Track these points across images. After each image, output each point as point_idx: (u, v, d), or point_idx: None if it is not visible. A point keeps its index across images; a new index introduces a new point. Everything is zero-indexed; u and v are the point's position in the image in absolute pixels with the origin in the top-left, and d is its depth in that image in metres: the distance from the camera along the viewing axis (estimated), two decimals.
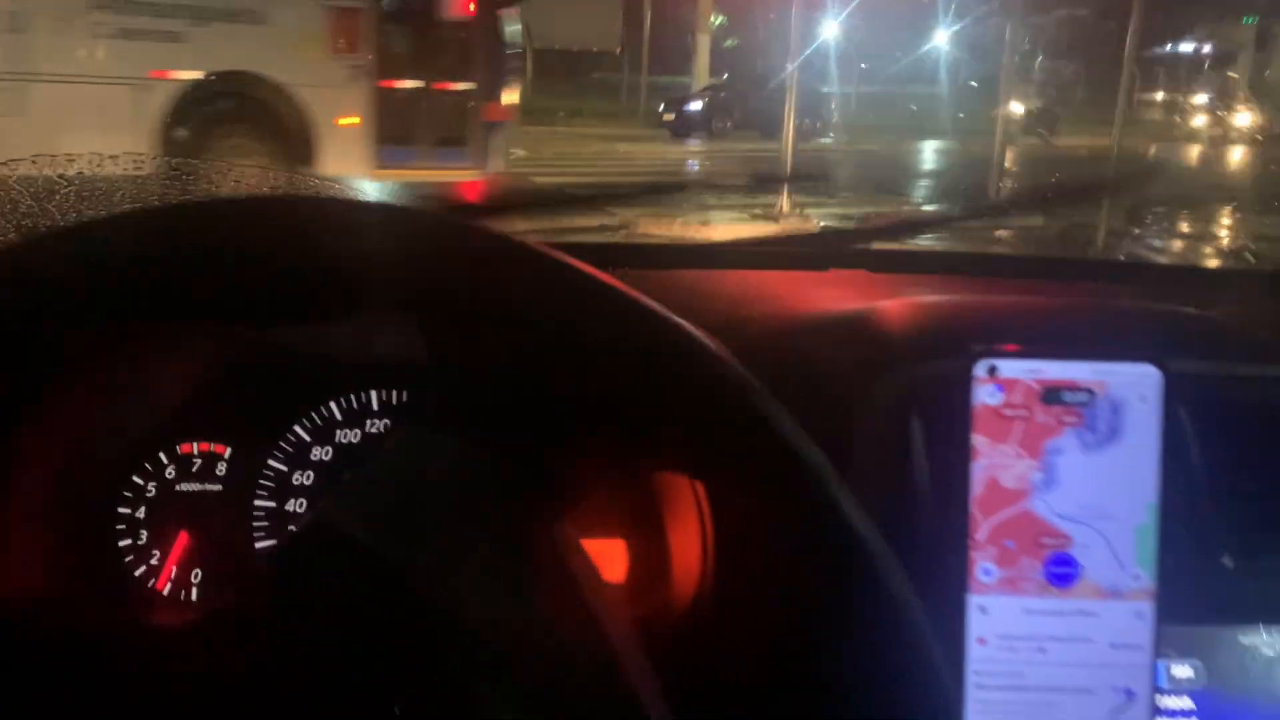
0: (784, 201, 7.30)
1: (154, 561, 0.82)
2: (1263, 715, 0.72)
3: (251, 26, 7.11)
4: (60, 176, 0.88)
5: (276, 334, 0.78)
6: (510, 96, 8.28)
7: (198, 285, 0.48)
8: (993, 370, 0.67)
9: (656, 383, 0.49)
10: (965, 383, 0.68)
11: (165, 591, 0.82)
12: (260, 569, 0.81)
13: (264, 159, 6.98)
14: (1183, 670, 0.72)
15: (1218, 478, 0.74)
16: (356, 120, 7.40)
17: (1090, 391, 0.67)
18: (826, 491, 0.50)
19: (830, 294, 1.17)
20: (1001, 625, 0.67)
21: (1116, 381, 0.67)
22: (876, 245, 1.43)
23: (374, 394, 0.86)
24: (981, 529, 0.67)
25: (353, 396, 0.86)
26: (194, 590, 0.82)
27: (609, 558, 0.88)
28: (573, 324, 0.49)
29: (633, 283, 1.11)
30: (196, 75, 7.02)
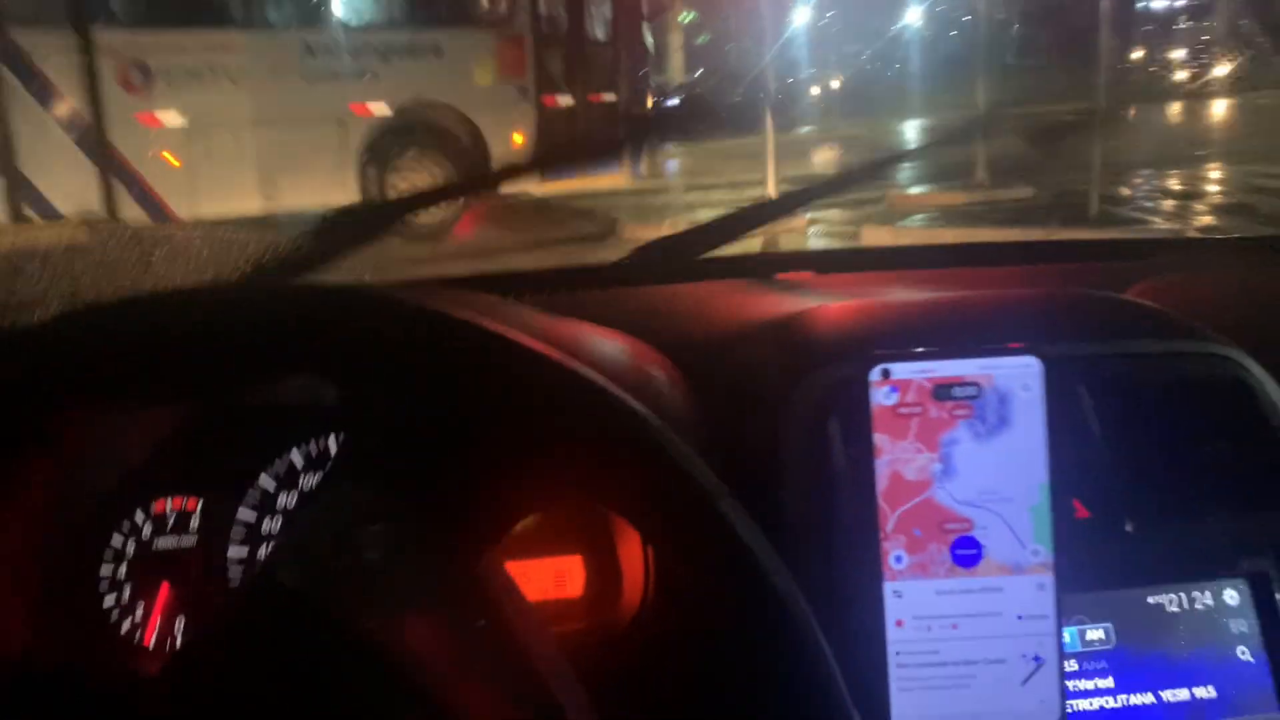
0: (771, 190, 7.37)
1: (138, 616, 0.88)
2: (1172, 670, 0.77)
3: (433, 60, 8.01)
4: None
5: (233, 395, 0.83)
6: (646, 106, 9.38)
7: (163, 364, 0.53)
8: (886, 373, 0.73)
9: (552, 425, 0.54)
10: (864, 385, 0.73)
11: (151, 645, 0.87)
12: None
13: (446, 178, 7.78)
14: (1095, 633, 0.77)
15: (1111, 449, 0.79)
16: (522, 137, 8.26)
17: (977, 385, 0.72)
18: (716, 515, 0.54)
19: (770, 300, 1.22)
20: (916, 607, 0.73)
21: (1001, 374, 0.72)
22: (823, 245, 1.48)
23: (331, 439, 0.92)
24: (890, 520, 0.73)
25: (312, 442, 0.92)
26: (178, 641, 0.88)
27: (568, 573, 0.93)
28: (463, 379, 0.54)
29: (576, 303, 1.15)
30: (388, 109, 7.95)
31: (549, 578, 0.93)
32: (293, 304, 0.55)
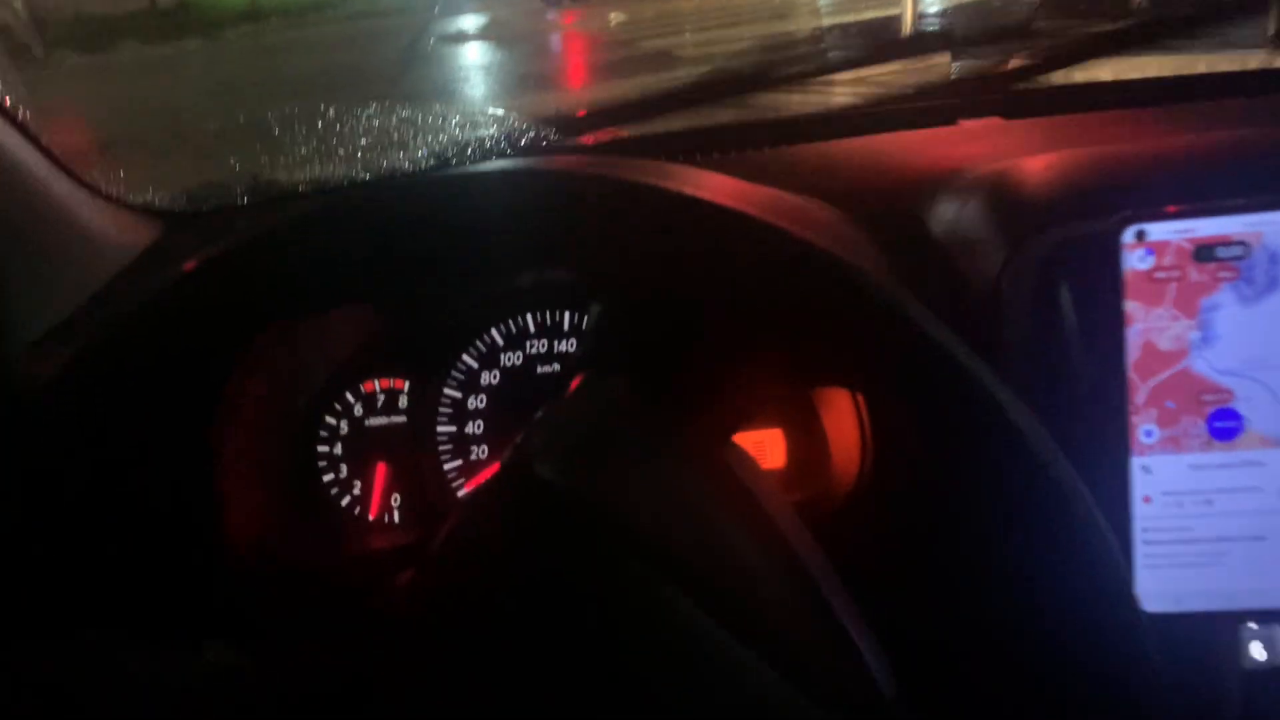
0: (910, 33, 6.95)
1: (356, 492, 0.91)
2: None
3: None
4: None
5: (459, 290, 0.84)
6: None
7: (378, 267, 0.52)
8: (1141, 235, 0.67)
9: (806, 307, 0.51)
10: (1114, 249, 0.67)
11: (373, 518, 0.90)
12: (454, 496, 0.88)
13: None
14: None
15: None
16: None
17: (1245, 244, 0.66)
18: (986, 396, 0.51)
19: (961, 151, 1.14)
20: (1166, 483, 0.68)
21: (1271, 231, 0.65)
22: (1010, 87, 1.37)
23: (529, 317, 0.91)
24: (1140, 393, 0.68)
25: (510, 322, 0.91)
26: (396, 514, 0.91)
27: (768, 446, 0.91)
28: (719, 260, 0.52)
29: (753, 164, 1.11)
30: None
31: (749, 449, 0.92)
32: (525, 190, 0.53)
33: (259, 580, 0.79)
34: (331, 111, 1.16)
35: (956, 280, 0.81)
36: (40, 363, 0.63)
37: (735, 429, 0.57)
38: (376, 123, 1.19)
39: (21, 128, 0.76)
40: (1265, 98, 1.13)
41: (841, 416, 0.85)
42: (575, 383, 0.56)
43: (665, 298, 0.55)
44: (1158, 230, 0.66)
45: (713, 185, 0.71)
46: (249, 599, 0.76)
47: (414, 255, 0.56)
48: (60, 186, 0.81)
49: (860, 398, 0.74)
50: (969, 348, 0.52)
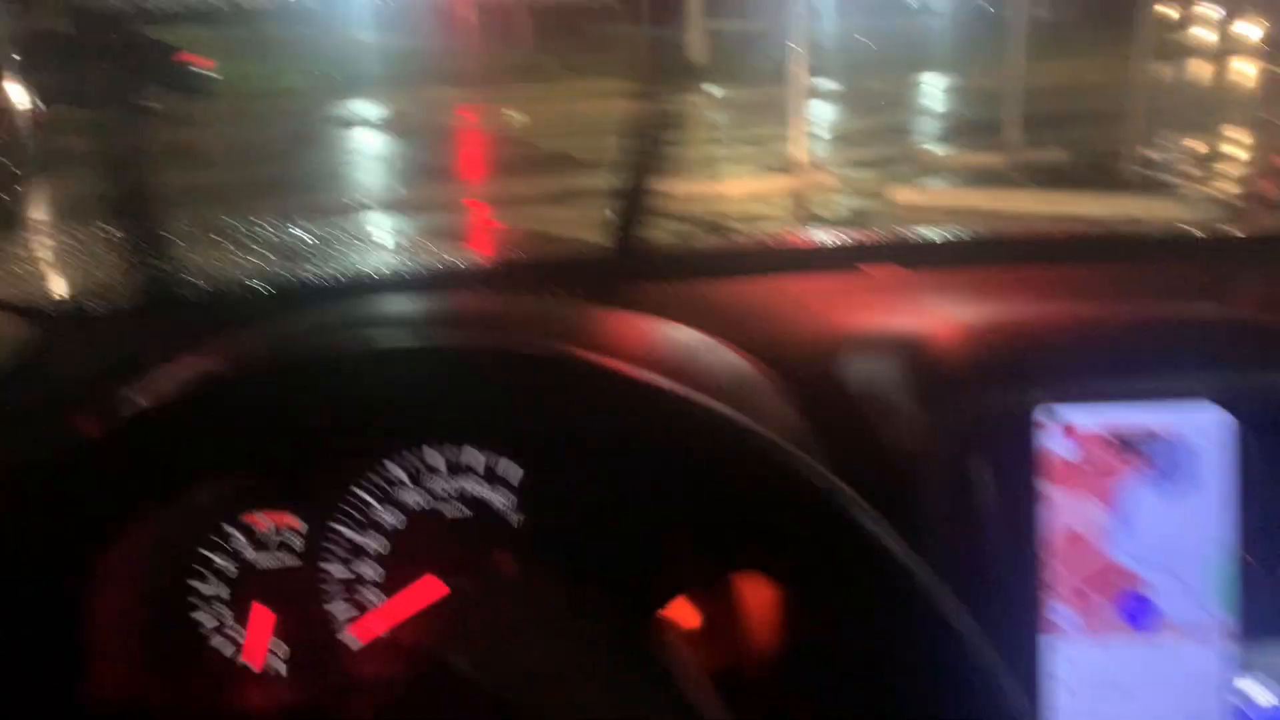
0: (798, 150, 7.22)
1: (236, 639, 0.84)
2: None
3: None
4: None
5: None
6: None
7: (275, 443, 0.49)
8: (1060, 420, 0.68)
9: (745, 499, 0.50)
10: (1034, 432, 0.68)
11: (254, 669, 0.84)
12: (347, 656, 0.83)
13: None
14: (1259, 691, 0.73)
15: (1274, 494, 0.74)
16: None
17: (1160, 437, 0.67)
18: (908, 580, 0.50)
19: (868, 302, 1.16)
20: (1079, 667, 0.68)
21: (1186, 425, 0.67)
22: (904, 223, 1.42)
23: (439, 455, 0.87)
24: (1055, 573, 0.68)
25: (414, 457, 0.87)
26: (281, 666, 0.84)
27: (680, 604, 0.89)
28: (650, 441, 0.50)
29: (663, 299, 1.10)
30: None
31: None
32: (426, 372, 0.50)
33: None
34: (229, 220, 1.11)
35: (870, 445, 0.82)
36: None
37: (658, 606, 0.55)
38: (276, 232, 1.15)
39: None
40: (1168, 264, 1.19)
41: (759, 583, 0.83)
42: (502, 564, 0.53)
43: (584, 474, 0.53)
44: (1076, 416, 0.68)
45: (631, 341, 0.69)
46: None
47: (317, 430, 0.53)
48: None
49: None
50: (886, 522, 0.52)
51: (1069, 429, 0.68)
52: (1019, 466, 0.69)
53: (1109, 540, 0.68)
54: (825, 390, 0.89)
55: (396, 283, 1.12)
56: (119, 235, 1.15)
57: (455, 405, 0.52)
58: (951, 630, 0.51)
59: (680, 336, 0.88)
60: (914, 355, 0.86)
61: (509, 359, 0.50)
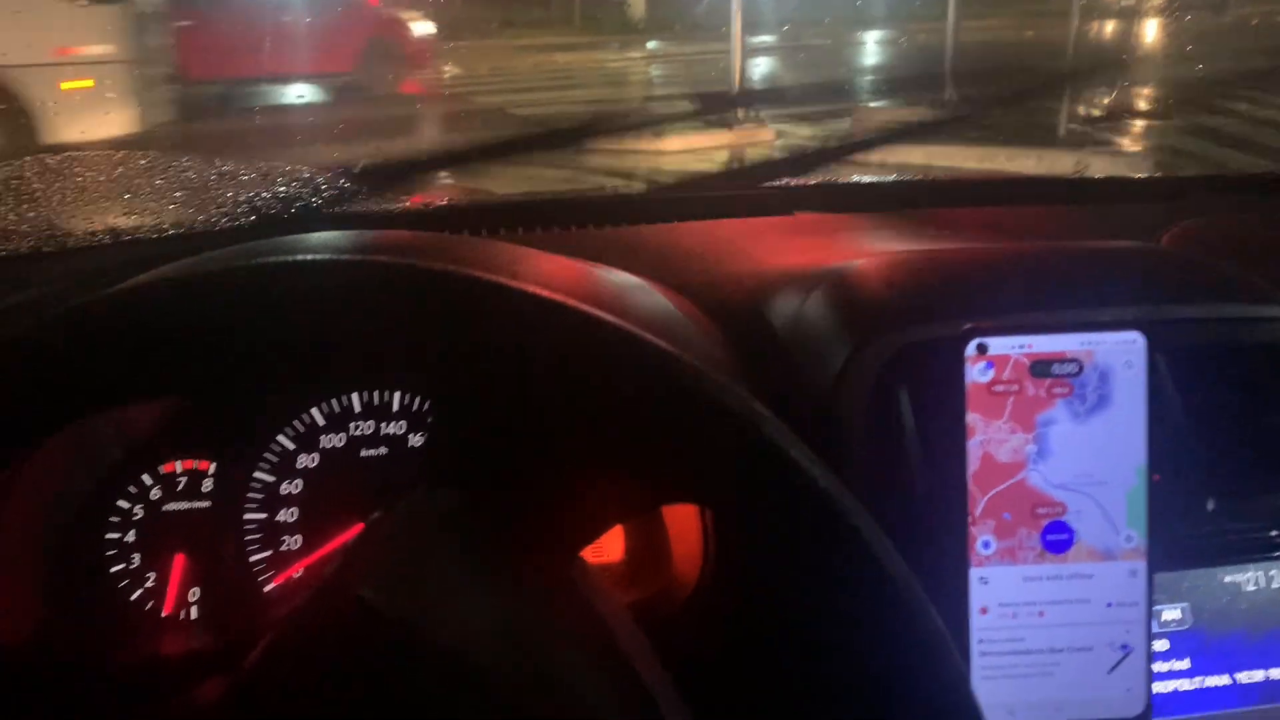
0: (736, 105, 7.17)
1: (149, 584, 0.82)
2: (1247, 649, 0.75)
3: None
4: None
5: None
6: None
7: (184, 359, 0.46)
8: (982, 348, 0.67)
9: (658, 421, 0.49)
10: (957, 361, 0.68)
11: (167, 614, 0.81)
12: (262, 600, 0.80)
13: None
14: (1172, 614, 0.74)
15: (1200, 426, 0.75)
16: None
17: (1078, 362, 0.67)
18: (831, 503, 0.50)
19: (800, 243, 1.15)
20: (1002, 594, 0.69)
21: (1102, 350, 0.67)
22: (841, 177, 1.41)
23: (354, 397, 0.85)
24: (979, 504, 0.68)
25: (334, 401, 0.85)
26: (193, 610, 0.82)
27: (605, 540, 0.88)
28: (567, 367, 0.48)
29: (594, 243, 1.09)
30: None
31: None
32: (346, 283, 0.48)
33: (34, 683, 0.69)
34: (144, 161, 1.07)
35: (796, 378, 0.81)
36: None
37: (578, 545, 0.54)
38: (192, 175, 1.11)
39: None
40: (1077, 206, 1.20)
41: (682, 513, 0.82)
42: (406, 497, 0.51)
43: (499, 402, 0.51)
44: (998, 344, 0.67)
45: (542, 271, 0.67)
46: (22, 703, 0.67)
47: (232, 345, 0.50)
48: None
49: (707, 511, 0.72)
50: (809, 451, 0.51)
51: (992, 358, 0.67)
52: (949, 398, 0.69)
53: (1031, 468, 0.68)
54: (752, 327, 0.88)
55: (317, 225, 1.08)
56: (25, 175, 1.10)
57: (366, 327, 0.50)
58: (876, 559, 0.50)
59: (608, 275, 0.86)
60: (838, 289, 0.85)
61: (425, 277, 0.48)
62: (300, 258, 0.48)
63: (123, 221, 1.09)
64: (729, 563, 0.77)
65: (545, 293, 0.49)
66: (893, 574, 0.49)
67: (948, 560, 0.69)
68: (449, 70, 9.59)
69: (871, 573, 0.50)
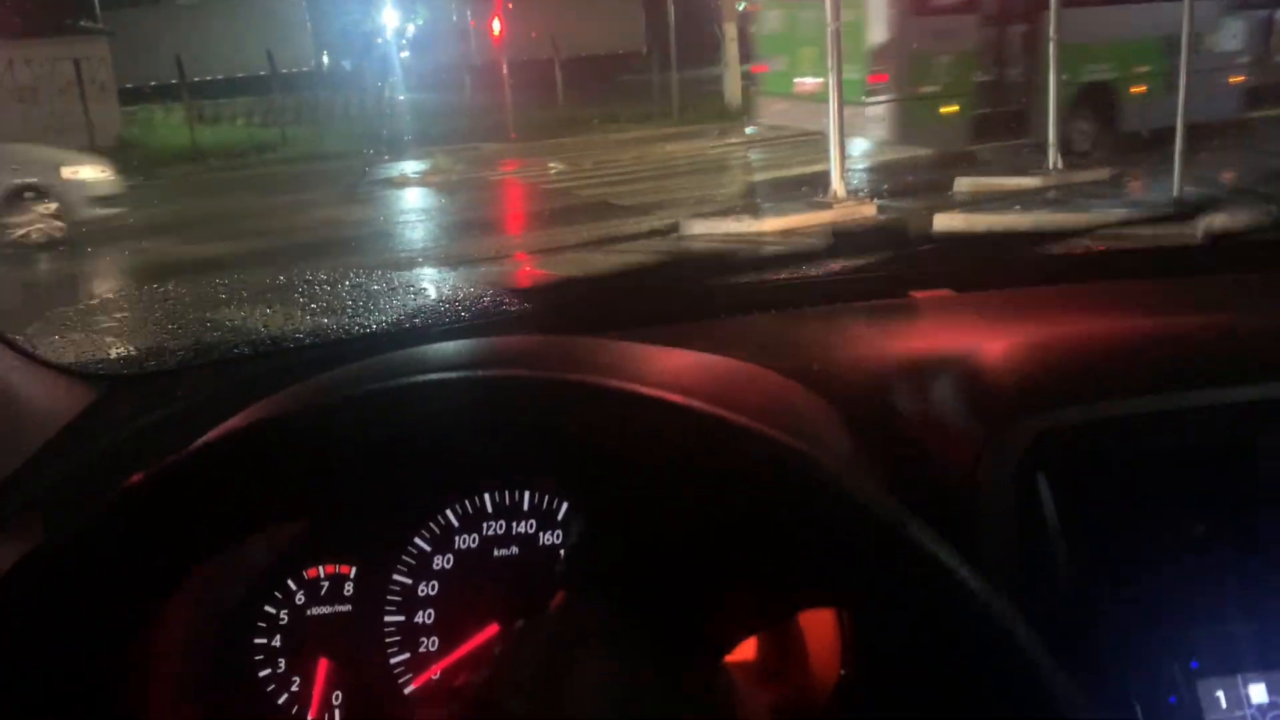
0: (838, 185, 7.17)
1: (295, 688, 0.84)
2: None
3: None
4: None
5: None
6: None
7: (333, 480, 0.49)
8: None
9: (799, 525, 0.48)
10: (1088, 443, 0.66)
11: (312, 719, 0.83)
12: (404, 702, 0.82)
13: None
14: None
15: None
16: None
17: None
18: (979, 606, 0.48)
19: (917, 327, 1.14)
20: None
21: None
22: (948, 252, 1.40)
23: (486, 497, 0.87)
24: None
25: (466, 502, 0.87)
26: (337, 714, 0.84)
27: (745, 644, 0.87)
28: (705, 471, 0.49)
29: (710, 333, 1.09)
30: None
31: None
32: (485, 401, 0.50)
33: None
34: (281, 278, 1.13)
35: (927, 466, 0.80)
36: None
37: (723, 652, 0.53)
38: (327, 288, 1.17)
39: None
40: (1205, 278, 1.17)
41: (818, 613, 0.81)
42: (554, 602, 0.52)
43: (638, 507, 0.52)
44: None
45: (668, 369, 0.68)
46: None
47: (377, 463, 0.53)
48: None
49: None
50: (954, 551, 0.50)
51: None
52: (1081, 483, 0.67)
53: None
54: (877, 414, 0.87)
55: (444, 331, 1.13)
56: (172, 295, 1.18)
57: (504, 440, 0.52)
58: (1026, 658, 0.49)
59: (733, 368, 0.87)
60: (967, 377, 0.84)
61: (557, 389, 0.49)
62: (441, 376, 0.50)
63: (262, 333, 1.16)
64: (872, 665, 0.75)
65: (679, 398, 0.50)
66: (1047, 681, 0.48)
67: (1097, 653, 0.66)
68: (552, 166, 9.89)
69: (1025, 680, 0.48)
